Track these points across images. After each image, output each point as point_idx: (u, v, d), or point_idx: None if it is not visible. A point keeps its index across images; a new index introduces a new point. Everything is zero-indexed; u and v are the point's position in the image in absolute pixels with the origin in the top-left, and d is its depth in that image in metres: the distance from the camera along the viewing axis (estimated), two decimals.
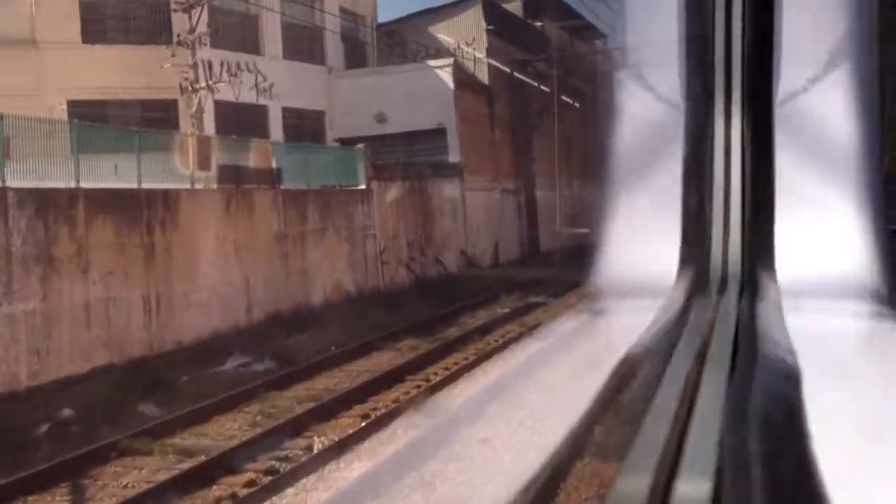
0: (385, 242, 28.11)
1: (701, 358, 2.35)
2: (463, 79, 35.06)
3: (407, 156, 33.74)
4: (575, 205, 46.56)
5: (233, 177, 21.63)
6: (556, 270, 31.82)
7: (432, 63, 34.45)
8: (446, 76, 33.99)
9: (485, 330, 22.30)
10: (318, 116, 34.75)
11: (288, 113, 33.11)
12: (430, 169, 31.77)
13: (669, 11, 3.52)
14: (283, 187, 23.73)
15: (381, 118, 34.41)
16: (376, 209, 27.83)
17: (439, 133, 34.12)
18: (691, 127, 3.39)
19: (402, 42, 38.19)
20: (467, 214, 34.10)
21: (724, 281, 3.14)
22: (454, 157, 33.99)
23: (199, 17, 27.99)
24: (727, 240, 3.16)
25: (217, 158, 21.56)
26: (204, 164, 20.69)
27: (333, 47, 35.50)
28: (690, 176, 3.41)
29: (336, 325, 23.10)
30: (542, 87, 40.05)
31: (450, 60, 34.12)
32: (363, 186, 27.59)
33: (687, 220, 3.42)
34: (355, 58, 37.15)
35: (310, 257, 24.39)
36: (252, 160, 23.20)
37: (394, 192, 28.95)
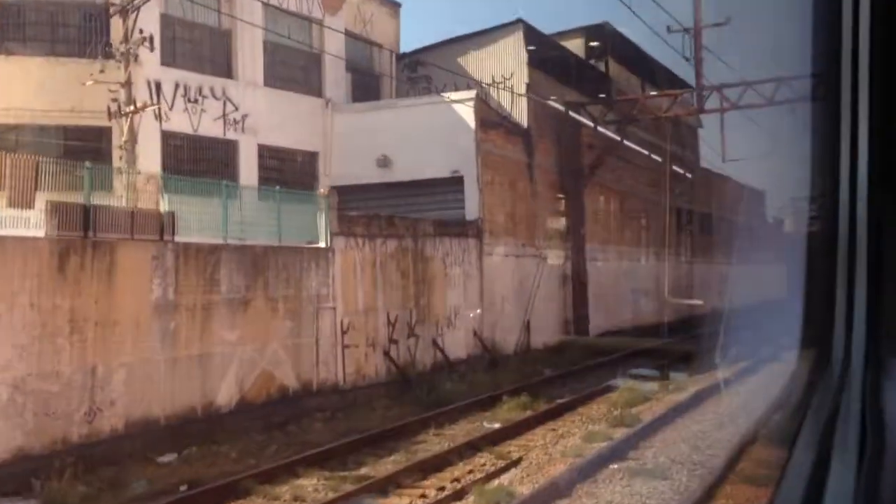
0: (350, 318, 20.50)
1: (828, 440, 2.27)
2: (490, 118, 27.50)
3: (414, 210, 26.23)
4: (671, 274, 38.90)
5: (80, 221, 14.35)
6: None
7: (450, 97, 26.96)
8: (467, 113, 26.48)
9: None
10: (309, 158, 27.53)
11: (267, 152, 25.97)
12: (433, 226, 24.12)
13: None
14: (177, 240, 16.35)
15: (384, 163, 27.04)
16: (339, 274, 20.29)
17: (454, 183, 26.56)
18: (817, 200, 3.24)
19: (427, 76, 30.87)
20: (485, 285, 26.31)
21: (847, 359, 2.94)
22: (473, 212, 26.29)
23: (134, 23, 21.09)
24: (851, 317, 2.94)
25: (48, 193, 14.37)
26: (20, 199, 13.49)
27: (335, 77, 28.35)
28: (814, 251, 3.31)
29: (237, 441, 15.61)
30: (606, 132, 32.20)
31: (472, 94, 26.59)
32: (322, 244, 20.08)
33: (810, 296, 3.29)
34: (367, 92, 29.94)
35: (218, 338, 16.91)
36: (123, 199, 15.97)
37: (371, 252, 21.38)
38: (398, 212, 25.61)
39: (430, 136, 26.54)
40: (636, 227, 39.27)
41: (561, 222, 31.66)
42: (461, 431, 17.27)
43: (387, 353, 21.66)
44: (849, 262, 2.93)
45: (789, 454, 2.18)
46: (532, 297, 28.18)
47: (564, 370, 25.44)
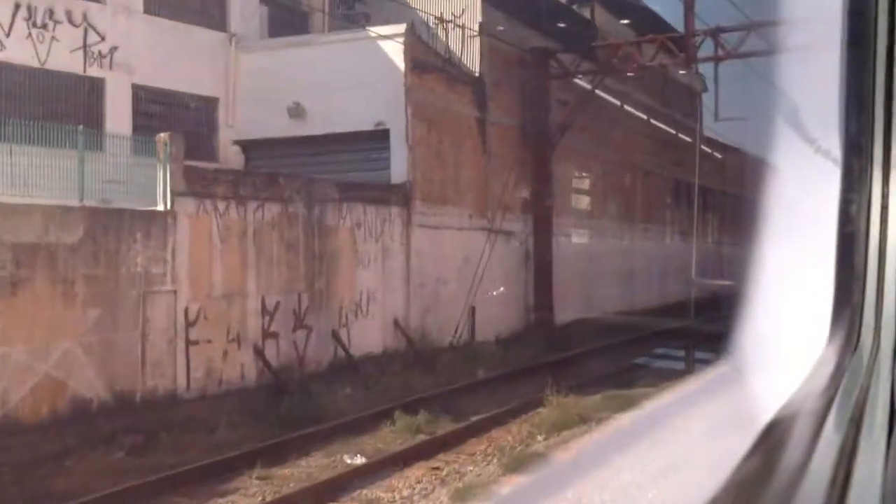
0: (202, 305, 15.29)
1: (856, 424, 2.31)
2: (427, 60, 22.08)
3: (332, 170, 20.99)
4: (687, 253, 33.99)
5: None
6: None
7: (376, 31, 21.54)
8: (397, 53, 21.10)
9: None
10: (207, 105, 22.24)
11: (146, 95, 20.68)
12: (338, 189, 18.83)
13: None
14: None
15: (296, 112, 21.74)
16: (185, 247, 15.06)
17: (379, 138, 21.24)
18: (848, 180, 3.16)
19: (365, 13, 25.49)
20: (414, 263, 21.03)
21: (877, 344, 2.96)
22: (400, 173, 20.98)
23: None
24: (881, 301, 2.93)
25: None
26: None
27: (244, 8, 22.98)
28: (845, 235, 3.21)
29: None
30: (585, 86, 26.82)
31: (401, 28, 21.15)
32: (161, 206, 14.84)
33: (840, 279, 3.20)
34: (291, 31, 24.53)
35: None
36: None
37: (239, 219, 16.15)
38: (315, 172, 20.41)
39: (352, 81, 21.23)
40: (626, 200, 33.80)
41: (523, 191, 26.26)
42: (303, 472, 12.07)
43: (258, 351, 16.44)
44: (880, 244, 2.93)
45: (816, 439, 2.11)
46: (478, 279, 22.87)
47: (506, 370, 20.20)
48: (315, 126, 21.67)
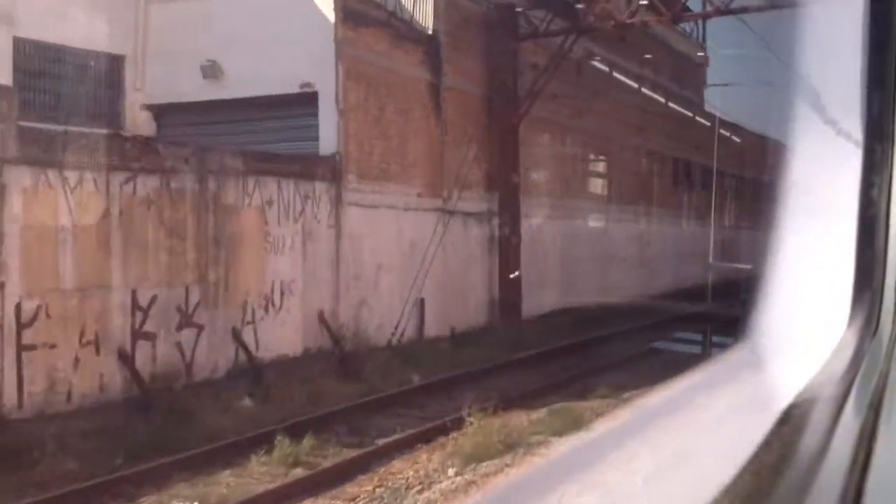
0: (44, 302, 12.15)
1: (875, 409, 2.29)
2: (363, 12, 18.80)
3: (256, 140, 17.88)
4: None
5: None
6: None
7: None
8: (325, 1, 17.86)
9: None
10: (111, 64, 19.02)
11: (34, 50, 17.49)
12: (242, 159, 15.62)
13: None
14: None
15: (212, 72, 18.50)
16: (19, 228, 11.89)
17: (306, 102, 18.02)
18: (869, 162, 3.20)
19: None
20: (346, 249, 17.84)
21: None
22: (330, 143, 17.76)
23: None
24: None
25: None
26: None
27: None
28: (866, 218, 3.24)
29: None
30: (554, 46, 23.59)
31: None
32: None
33: (860, 263, 3.25)
34: None
35: None
36: None
37: (99, 195, 12.97)
38: (237, 142, 17.30)
39: (276, 35, 18.01)
40: (611, 179, 30.47)
41: (487, 167, 23.00)
42: None
43: (125, 357, 13.29)
44: None
45: (835, 424, 2.13)
46: (426, 266, 19.66)
47: (449, 374, 17.05)
48: (234, 88, 18.47)
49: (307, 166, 16.96)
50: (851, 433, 2.04)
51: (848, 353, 2.91)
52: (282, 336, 16.20)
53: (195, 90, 18.65)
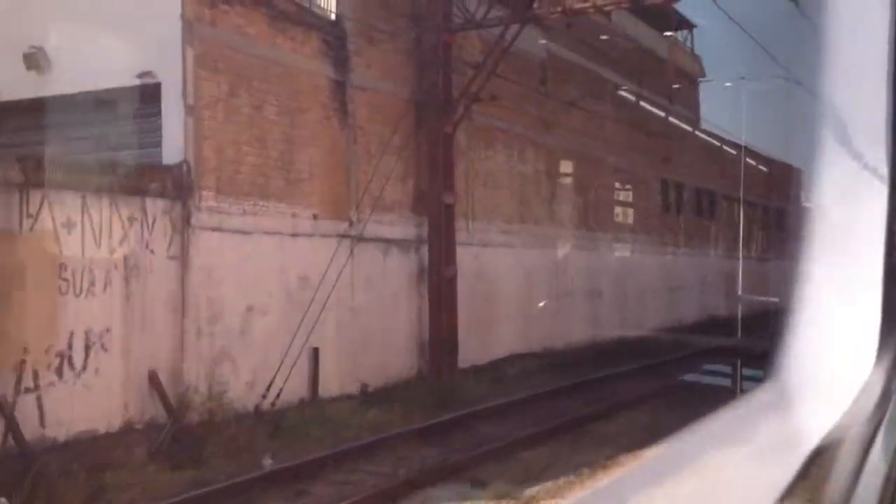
0: None
1: None
2: None
3: (90, 146, 13.62)
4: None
5: None
6: None
7: None
8: None
9: None
10: None
11: None
12: (21, 167, 11.26)
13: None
14: None
15: (35, 62, 14.22)
16: None
17: (146, 97, 13.70)
18: (895, 199, 2.94)
19: None
20: (194, 285, 13.42)
21: None
22: (174, 148, 13.41)
23: None
24: None
25: None
26: None
27: None
28: (893, 254, 3.19)
29: None
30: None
31: None
32: None
33: (888, 299, 3.17)
34: None
35: None
36: None
37: None
38: (72, 150, 13.08)
39: (117, 11, 13.78)
40: (576, 200, 26.06)
41: (413, 184, 18.65)
42: None
43: None
44: None
45: (862, 466, 2.05)
46: (323, 307, 15.24)
47: (327, 452, 12.68)
48: (63, 81, 14.19)
49: (134, 178, 12.60)
50: (878, 478, 1.95)
51: (875, 392, 2.88)
52: (87, 406, 11.80)
53: (18, 85, 14.40)
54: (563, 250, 24.95)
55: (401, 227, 18.21)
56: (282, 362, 14.31)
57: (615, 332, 27.11)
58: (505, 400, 17.49)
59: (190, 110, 13.53)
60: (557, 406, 17.40)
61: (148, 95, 13.63)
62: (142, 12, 13.61)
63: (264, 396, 14.08)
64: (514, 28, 18.68)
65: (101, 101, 13.95)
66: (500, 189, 22.06)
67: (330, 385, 15.99)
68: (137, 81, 13.62)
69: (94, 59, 13.68)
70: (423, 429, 14.54)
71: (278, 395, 14.24)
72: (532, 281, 23.15)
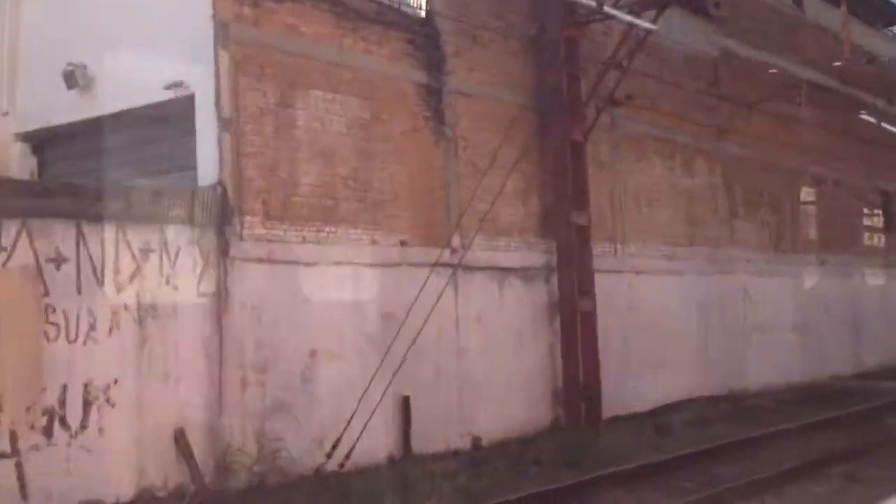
0: None
1: None
2: None
3: (133, 168, 11.97)
4: None
5: None
6: None
7: None
8: None
9: None
10: None
11: None
12: None
13: None
14: None
15: (76, 81, 12.74)
16: None
17: (177, 112, 11.83)
18: None
19: None
20: (233, 326, 11.29)
21: None
22: (210, 166, 11.41)
23: None
24: None
25: None
26: None
27: None
28: None
29: None
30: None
31: None
32: None
33: None
34: None
35: None
36: None
37: None
38: (118, 175, 11.54)
39: (152, 23, 12.10)
40: (766, 217, 22.26)
41: (535, 203, 15.91)
42: None
43: None
44: None
45: None
46: (412, 349, 12.73)
47: None
48: (106, 100, 12.63)
49: (148, 203, 10.66)
50: None
51: None
52: (87, 471, 9.82)
53: (64, 106, 12.98)
54: (749, 277, 21.20)
55: (521, 252, 15.47)
56: (352, 416, 11.85)
57: (825, 370, 22.96)
58: (658, 458, 14.21)
59: (226, 124, 11.50)
60: (739, 464, 13.99)
61: (180, 110, 11.72)
62: (176, 16, 11.78)
63: (329, 456, 11.64)
64: (651, 18, 15.65)
65: (141, 119, 12.21)
66: (659, 207, 18.83)
67: (428, 440, 13.37)
68: (168, 95, 11.74)
69: (130, 73, 11.99)
70: (533, 497, 11.60)
71: (348, 455, 11.77)
72: (708, 313, 19.63)
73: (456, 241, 14.23)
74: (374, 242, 13.11)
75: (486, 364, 14.49)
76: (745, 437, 15.80)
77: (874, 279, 26.92)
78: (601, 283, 16.62)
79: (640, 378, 17.47)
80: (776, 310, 21.88)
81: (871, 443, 15.36)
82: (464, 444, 13.93)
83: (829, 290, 24.30)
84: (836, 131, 24.37)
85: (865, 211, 27.32)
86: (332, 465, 11.71)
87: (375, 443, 12.51)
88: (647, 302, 17.98)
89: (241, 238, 11.48)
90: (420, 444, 13.24)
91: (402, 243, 13.51)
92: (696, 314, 19.38)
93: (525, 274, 15.50)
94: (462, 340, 14.13)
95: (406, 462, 12.88)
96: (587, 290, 15.86)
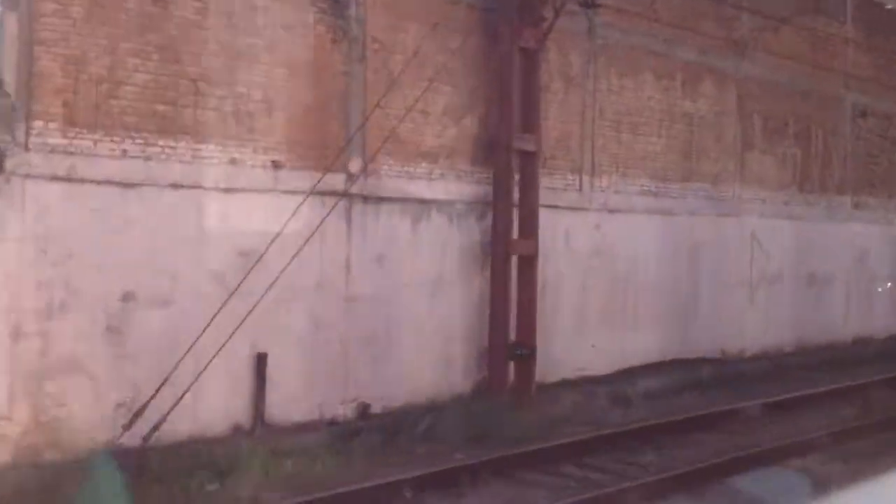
0: None
1: None
2: None
3: None
4: None
5: None
6: None
7: None
8: None
9: None
10: None
11: None
12: None
13: None
14: None
15: None
16: None
17: None
18: None
19: None
20: (11, 259, 8.71)
21: None
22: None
23: None
24: None
25: None
26: None
27: None
28: None
29: None
30: None
31: None
32: None
33: None
34: None
35: None
36: None
37: None
38: None
39: None
40: (789, 152, 18.88)
41: (472, 123, 12.95)
42: None
43: None
44: None
45: None
46: (278, 291, 10.08)
47: None
48: None
49: None
50: None
51: None
52: None
53: None
54: (762, 219, 17.99)
55: (448, 183, 12.59)
56: (168, 376, 9.29)
57: (849, 331, 19.81)
58: (580, 436, 11.56)
59: (12, 1, 8.75)
60: (682, 449, 11.35)
61: None
62: None
63: (127, 427, 9.15)
64: None
65: None
66: (648, 134, 15.66)
67: (294, 407, 10.81)
68: None
69: None
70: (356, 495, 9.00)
71: (157, 426, 9.25)
72: (701, 261, 16.57)
73: (356, 165, 11.41)
74: (233, 162, 10.38)
75: (386, 316, 11.79)
76: (706, 413, 13.01)
77: None
78: (559, 222, 13.80)
79: (601, 336, 14.65)
80: (792, 259, 18.69)
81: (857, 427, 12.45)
82: (346, 411, 11.34)
83: (865, 238, 20.89)
84: (887, 55, 20.61)
85: None
86: (133, 439, 9.20)
87: (212, 410, 10.00)
88: (619, 247, 15.02)
89: (25, 148, 8.84)
90: (281, 412, 10.69)
91: (275, 164, 10.76)
92: (686, 262, 16.35)
93: (452, 209, 12.64)
94: (354, 286, 11.43)
95: (255, 433, 10.36)
96: (529, 230, 12.95)
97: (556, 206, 13.92)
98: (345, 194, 11.17)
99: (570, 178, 14.30)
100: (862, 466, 9.98)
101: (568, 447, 10.92)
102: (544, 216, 13.53)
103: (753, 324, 17.76)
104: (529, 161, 12.92)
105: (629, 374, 15.04)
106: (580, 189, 14.45)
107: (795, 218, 18.75)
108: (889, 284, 21.70)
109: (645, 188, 15.56)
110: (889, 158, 22.07)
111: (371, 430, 10.99)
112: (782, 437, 11.99)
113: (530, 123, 12.91)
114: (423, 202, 12.27)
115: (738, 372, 16.63)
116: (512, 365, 12.97)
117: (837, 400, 14.47)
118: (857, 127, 20.80)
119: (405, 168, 12.01)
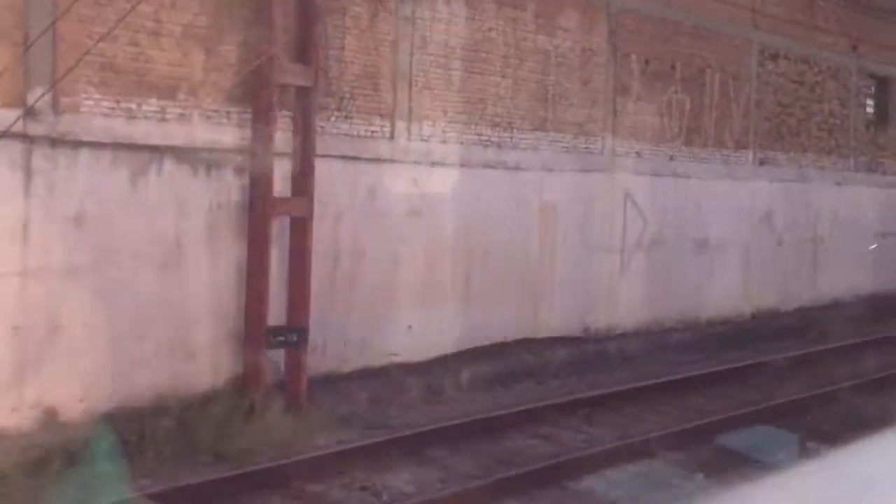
0: None
1: None
2: None
3: None
4: None
5: None
6: None
7: None
8: None
9: None
10: None
11: None
12: None
13: None
14: None
15: None
16: None
17: None
18: None
19: None
20: None
21: None
22: None
23: None
24: None
25: None
26: None
27: None
28: None
29: None
30: None
31: None
32: None
33: None
34: None
35: None
36: None
37: None
38: None
39: None
40: (673, 98, 16.13)
41: (231, 53, 10.03)
42: None
43: None
44: None
45: None
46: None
47: None
48: None
49: None
50: None
51: None
52: None
53: None
54: (637, 177, 15.28)
55: (189, 125, 9.71)
56: None
57: (741, 306, 17.36)
58: (328, 450, 8.93)
59: None
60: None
61: None
62: None
63: None
64: None
65: None
66: (487, 74, 12.80)
67: None
68: None
69: None
70: None
71: None
72: (556, 224, 13.87)
73: (41, 98, 8.49)
74: None
75: (86, 297, 8.98)
76: (518, 410, 10.44)
77: (845, 189, 20.67)
78: (361, 177, 11.01)
79: (420, 315, 11.96)
80: (677, 222, 16.03)
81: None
82: (20, 420, 8.56)
83: (771, 198, 18.27)
84: None
85: (843, 100, 20.82)
86: None
87: None
88: (447, 207, 12.27)
89: None
90: None
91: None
92: (538, 226, 13.63)
93: (196, 158, 9.79)
94: (31, 259, 8.60)
95: None
96: (303, 186, 10.15)
97: (356, 158, 11.17)
98: (19, 136, 8.28)
99: (379, 123, 11.47)
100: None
101: (295, 466, 8.24)
102: (340, 169, 10.83)
103: (627, 296, 15.13)
104: (304, 98, 10.08)
105: (457, 359, 12.39)
106: (392, 137, 11.63)
107: (682, 175, 16.04)
108: (800, 251, 19.15)
109: (484, 138, 12.76)
110: (805, 108, 19.38)
111: (48, 447, 8.25)
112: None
113: (305, 50, 10.04)
114: (151, 149, 9.42)
115: (599, 352, 14.10)
116: (283, 353, 10.25)
117: (689, 391, 11.91)
118: (765, 71, 18.06)
119: (122, 104, 9.15)
